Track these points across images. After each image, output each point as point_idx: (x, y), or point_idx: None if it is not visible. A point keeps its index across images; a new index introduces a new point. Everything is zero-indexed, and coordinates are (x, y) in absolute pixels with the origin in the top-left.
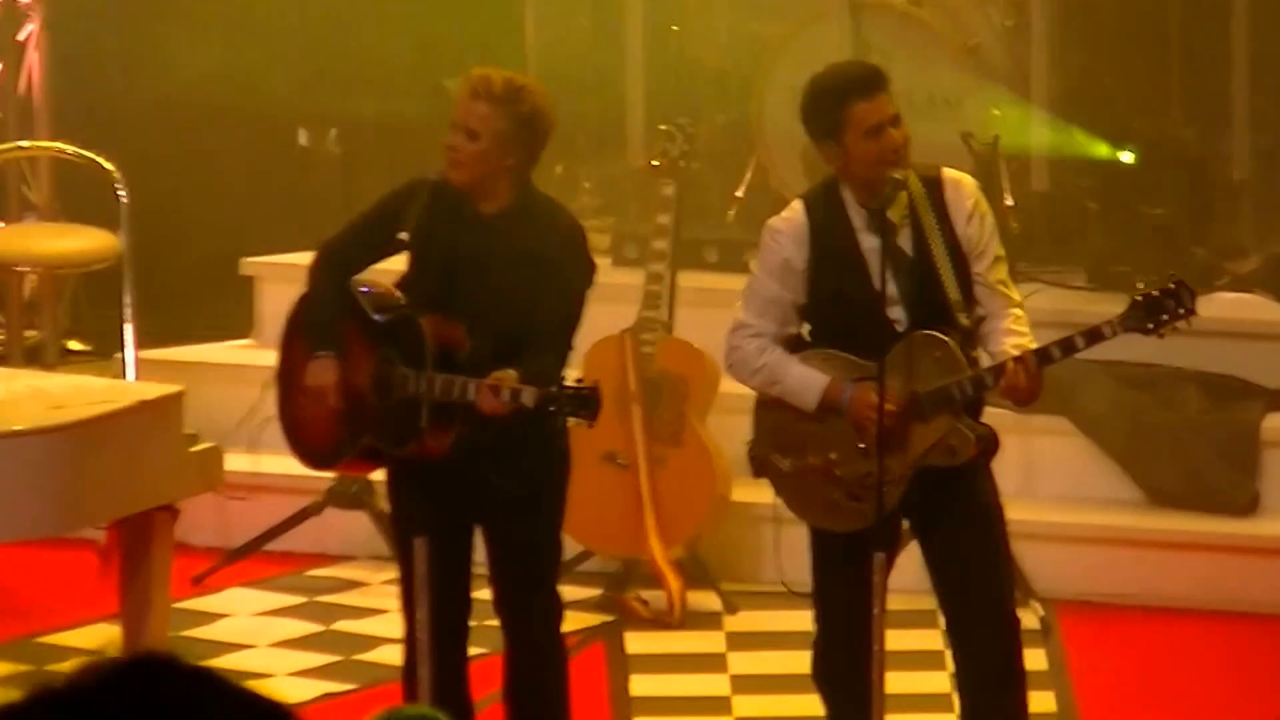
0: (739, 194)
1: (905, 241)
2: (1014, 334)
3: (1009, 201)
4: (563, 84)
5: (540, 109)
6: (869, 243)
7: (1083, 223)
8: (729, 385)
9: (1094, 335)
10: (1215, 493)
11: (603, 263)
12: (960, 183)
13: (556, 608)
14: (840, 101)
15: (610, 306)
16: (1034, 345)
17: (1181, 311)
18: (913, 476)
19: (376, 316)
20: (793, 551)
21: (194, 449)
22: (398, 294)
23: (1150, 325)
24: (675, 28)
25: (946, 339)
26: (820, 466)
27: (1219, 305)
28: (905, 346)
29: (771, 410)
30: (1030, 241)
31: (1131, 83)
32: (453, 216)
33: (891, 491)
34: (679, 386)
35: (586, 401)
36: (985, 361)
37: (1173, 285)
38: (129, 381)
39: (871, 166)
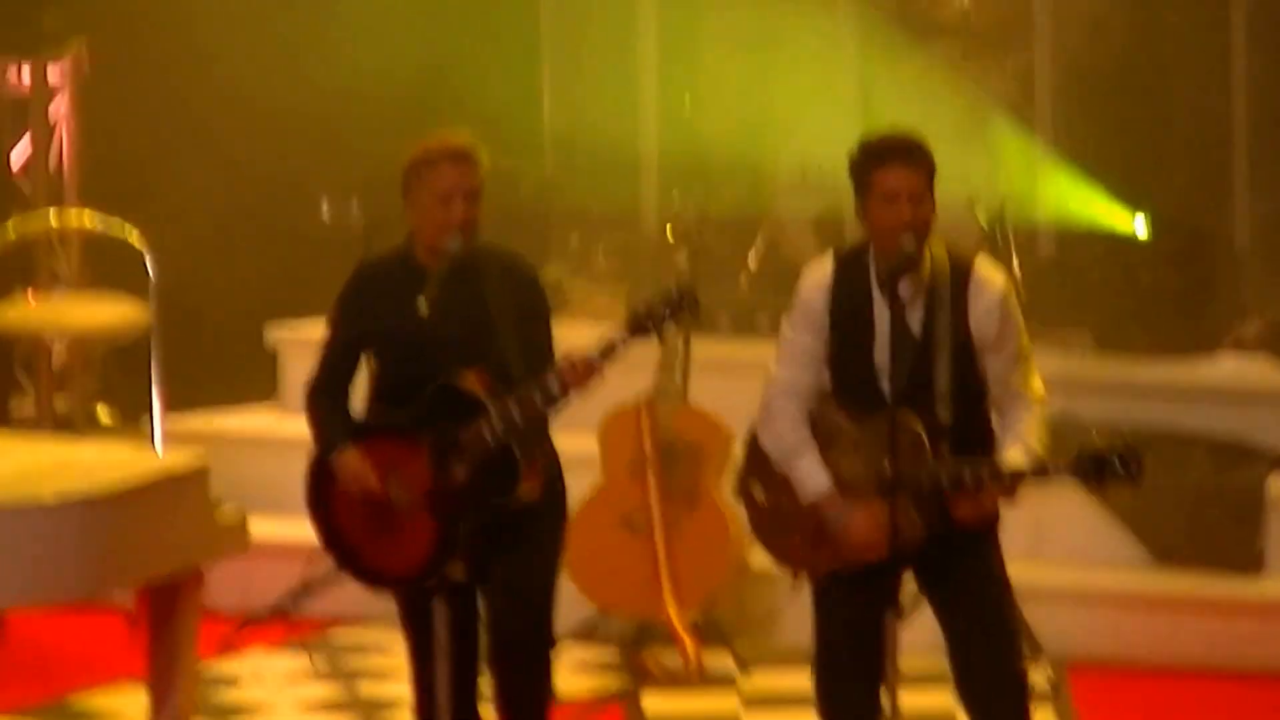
0: (750, 262)
1: (915, 318)
2: (1015, 444)
3: (1016, 269)
4: (578, 155)
5: None
6: (880, 311)
7: (1089, 288)
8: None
9: (1040, 471)
10: (1221, 553)
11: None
12: (989, 278)
13: (549, 658)
14: (868, 164)
15: (626, 374)
16: (1025, 456)
17: (1126, 477)
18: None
19: (399, 418)
20: (804, 613)
21: (219, 514)
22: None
23: (1093, 481)
24: (688, 99)
25: (918, 428)
26: (789, 510)
27: (1223, 368)
28: (884, 421)
29: (758, 445)
30: (1037, 306)
31: (1134, 151)
32: (410, 285)
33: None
34: (694, 452)
35: (682, 301)
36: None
37: (1122, 450)
38: (157, 452)
39: (883, 233)
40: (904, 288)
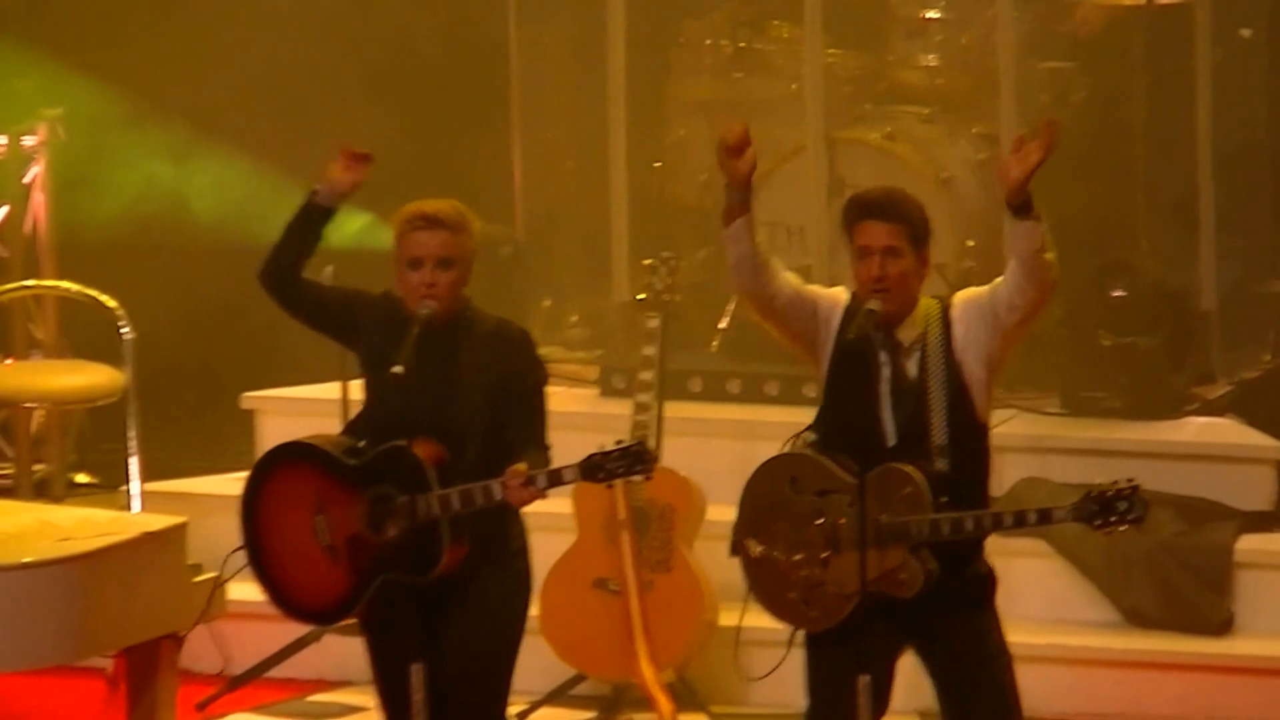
0: (722, 325)
1: (912, 368)
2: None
3: None
4: (549, 222)
5: (478, 226)
6: (882, 356)
7: (1055, 350)
8: (715, 513)
9: (1045, 516)
10: (1191, 613)
11: (590, 394)
12: (965, 296)
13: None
14: (848, 219)
15: (598, 436)
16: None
17: (1131, 517)
18: (869, 603)
19: (353, 462)
20: (780, 674)
21: (197, 579)
22: (351, 440)
23: (1098, 522)
24: (657, 165)
25: (919, 477)
26: (784, 563)
27: (1191, 430)
28: (881, 474)
29: (755, 499)
30: (1005, 369)
31: (1101, 215)
32: (400, 340)
33: (840, 604)
34: (667, 514)
35: (640, 456)
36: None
37: (1128, 489)
38: (134, 513)
39: (859, 286)
40: (900, 337)
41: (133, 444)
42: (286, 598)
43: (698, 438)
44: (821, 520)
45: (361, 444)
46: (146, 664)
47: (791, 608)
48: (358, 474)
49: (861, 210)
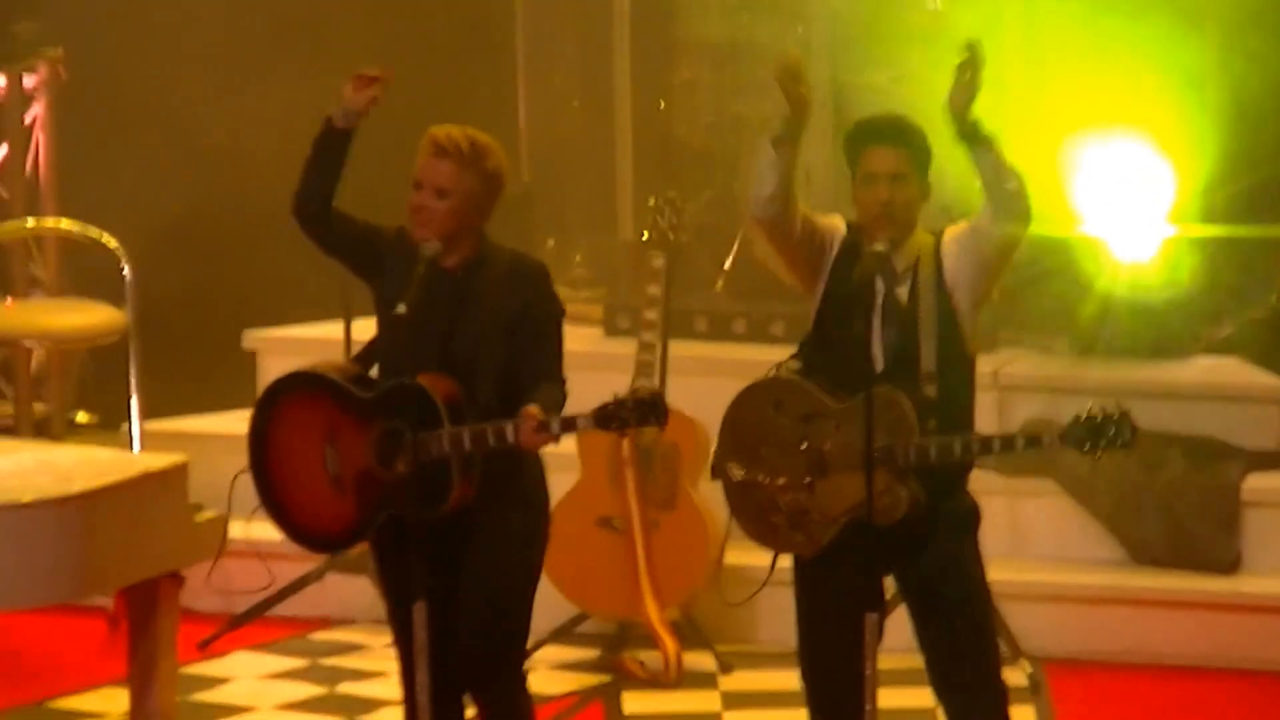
0: (726, 266)
1: (903, 294)
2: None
3: None
4: (554, 162)
5: (502, 165)
6: (878, 285)
7: (1065, 294)
8: None
9: (1034, 440)
10: (1198, 552)
11: (595, 333)
12: (955, 229)
13: (520, 675)
14: (853, 145)
15: (604, 375)
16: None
17: (1120, 441)
18: (856, 526)
19: (364, 394)
20: (784, 613)
21: (198, 518)
22: (360, 368)
23: (1087, 446)
24: (662, 104)
25: (905, 401)
26: (767, 486)
27: (1198, 369)
28: (868, 399)
29: (738, 423)
30: (1013, 311)
31: None
32: (410, 265)
33: (823, 531)
34: (672, 453)
35: (654, 406)
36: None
37: (1116, 414)
38: (135, 453)
39: (863, 212)
40: (894, 265)
41: (134, 383)
42: (293, 523)
43: (702, 377)
44: (806, 445)
45: (373, 375)
46: (147, 603)
47: (775, 532)
48: (369, 406)
49: (869, 135)
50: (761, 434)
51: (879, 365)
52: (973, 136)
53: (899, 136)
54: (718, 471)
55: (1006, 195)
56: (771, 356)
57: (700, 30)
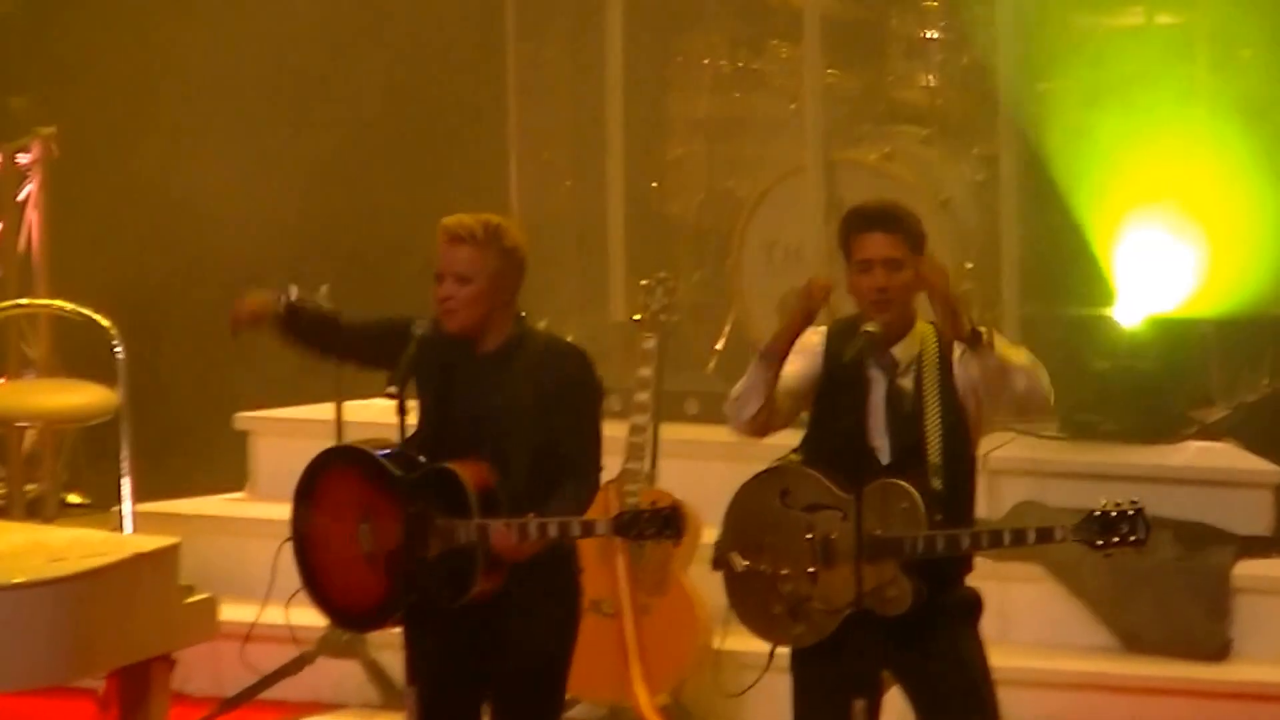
0: (719, 346)
1: (910, 383)
2: None
3: None
4: (547, 242)
5: (519, 242)
6: (875, 377)
7: (1054, 374)
8: (710, 537)
9: (1045, 535)
10: (1189, 638)
11: None
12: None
13: None
14: (846, 230)
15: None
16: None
17: (1133, 539)
18: (857, 617)
19: (402, 474)
20: (773, 694)
21: (190, 600)
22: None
23: (1100, 542)
24: (655, 184)
25: (915, 494)
26: (770, 575)
27: (1189, 454)
28: (880, 489)
29: (743, 513)
30: None
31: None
32: (452, 364)
33: (827, 621)
34: None
35: (669, 520)
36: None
37: (1131, 510)
38: (126, 534)
39: (859, 298)
40: (897, 355)
41: (125, 464)
42: (322, 594)
43: (693, 460)
44: (812, 534)
45: (420, 459)
46: (138, 685)
47: (776, 623)
48: (407, 486)
49: (862, 222)
50: (766, 523)
51: (885, 458)
52: (974, 345)
53: (892, 222)
54: (720, 562)
55: (1016, 397)
56: (763, 440)
57: (692, 107)
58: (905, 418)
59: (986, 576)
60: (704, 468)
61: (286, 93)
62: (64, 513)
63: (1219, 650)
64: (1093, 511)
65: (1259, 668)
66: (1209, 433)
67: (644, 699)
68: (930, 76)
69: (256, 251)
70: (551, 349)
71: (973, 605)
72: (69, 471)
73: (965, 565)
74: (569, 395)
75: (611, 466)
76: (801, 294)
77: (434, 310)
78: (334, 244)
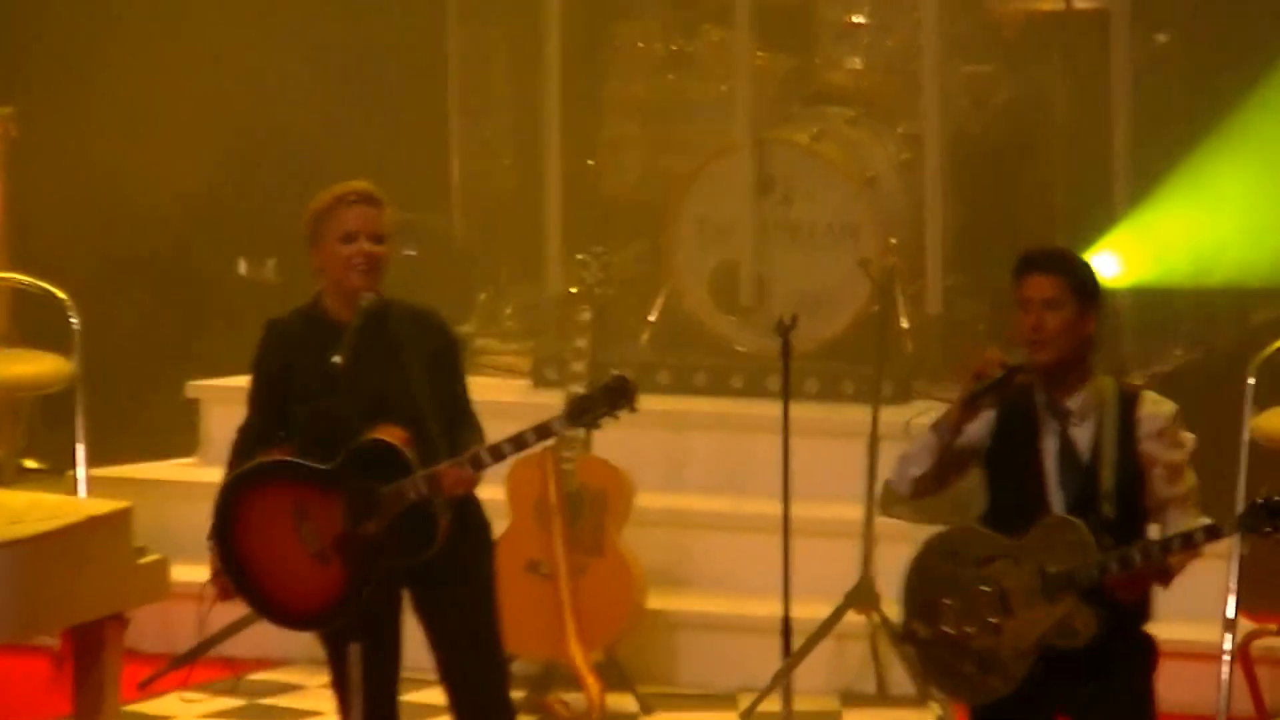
0: (652, 318)
1: (1083, 438)
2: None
3: (904, 324)
4: (486, 217)
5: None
6: (1049, 424)
7: (974, 344)
8: (644, 499)
9: (1213, 532)
10: None
11: (523, 384)
12: (1160, 405)
13: (505, 670)
14: (1015, 276)
15: (531, 423)
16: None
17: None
18: (1040, 657)
19: (324, 465)
20: (706, 655)
21: (142, 561)
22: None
23: (1267, 529)
24: (591, 163)
25: (1079, 522)
26: (955, 636)
27: None
28: (1043, 528)
29: (917, 583)
30: (924, 362)
31: (1020, 215)
32: (321, 339)
33: (1017, 665)
34: (598, 500)
35: (619, 391)
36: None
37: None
38: (81, 498)
39: (1018, 338)
40: (1070, 406)
41: (80, 431)
42: (283, 611)
43: (628, 427)
44: (988, 587)
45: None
46: (92, 643)
47: (969, 681)
48: (333, 475)
49: (1025, 265)
50: (941, 587)
51: (1058, 507)
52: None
53: (1053, 264)
54: (907, 638)
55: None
56: (696, 407)
57: (628, 88)
58: (1079, 474)
59: None
60: (638, 435)
61: (234, 71)
62: (21, 477)
63: None
64: (1254, 500)
65: None
66: None
67: (579, 656)
68: (857, 59)
69: (206, 227)
70: (418, 313)
71: (1150, 652)
72: (26, 438)
73: (1144, 609)
74: (448, 353)
75: None
76: (972, 368)
77: (348, 273)
78: (280, 216)
